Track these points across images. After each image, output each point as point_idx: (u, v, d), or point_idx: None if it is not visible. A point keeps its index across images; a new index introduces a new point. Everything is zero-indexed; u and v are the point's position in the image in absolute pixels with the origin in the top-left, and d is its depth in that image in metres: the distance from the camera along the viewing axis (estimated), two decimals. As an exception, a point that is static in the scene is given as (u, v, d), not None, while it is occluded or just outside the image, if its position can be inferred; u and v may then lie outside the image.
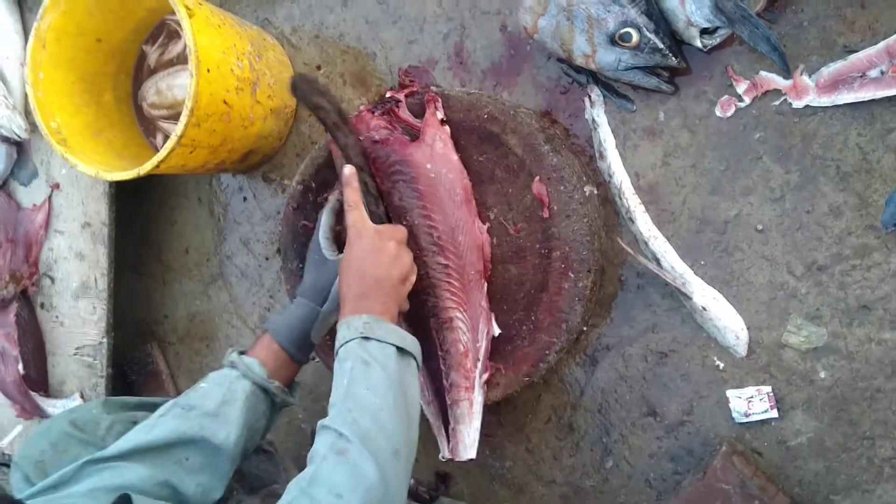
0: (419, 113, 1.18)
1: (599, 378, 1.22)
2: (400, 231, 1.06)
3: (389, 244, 1.01)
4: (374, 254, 1.00)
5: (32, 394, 1.38)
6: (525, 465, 1.29)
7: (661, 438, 1.18)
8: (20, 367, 1.36)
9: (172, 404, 0.96)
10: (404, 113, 1.18)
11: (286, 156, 1.45)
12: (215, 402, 0.95)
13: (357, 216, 1.03)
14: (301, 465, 1.37)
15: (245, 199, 1.49)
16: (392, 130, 1.17)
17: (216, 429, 0.93)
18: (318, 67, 1.41)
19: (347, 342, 0.93)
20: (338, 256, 1.07)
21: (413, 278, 1.05)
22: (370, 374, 0.90)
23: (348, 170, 1.07)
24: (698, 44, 1.07)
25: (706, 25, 1.06)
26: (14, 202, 1.44)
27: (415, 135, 1.16)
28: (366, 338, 0.93)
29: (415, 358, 0.98)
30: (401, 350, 0.95)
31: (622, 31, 1.06)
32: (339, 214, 1.14)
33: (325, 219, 1.13)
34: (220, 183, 1.51)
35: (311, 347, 1.07)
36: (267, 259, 1.48)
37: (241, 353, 1.03)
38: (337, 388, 0.91)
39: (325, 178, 1.26)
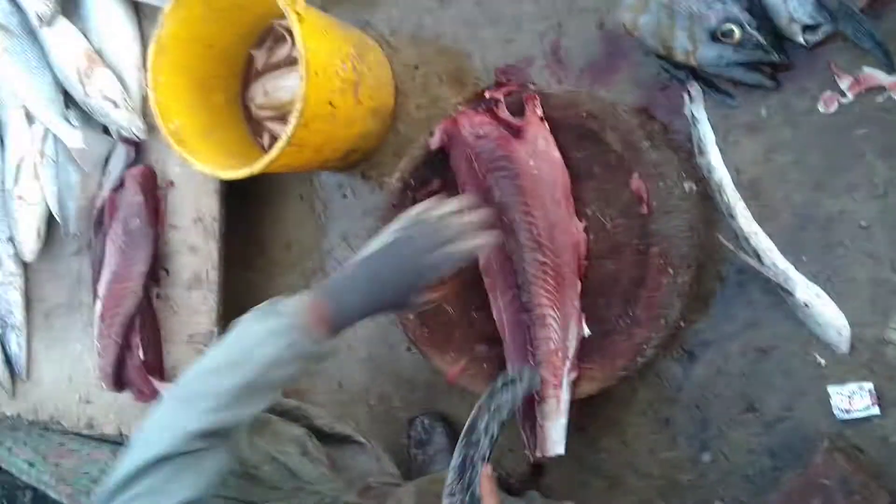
0: (516, 112, 1.21)
1: (697, 373, 1.22)
2: None
3: None
4: None
5: (150, 378, 1.46)
6: (620, 458, 1.30)
7: (760, 434, 1.18)
8: (140, 352, 1.45)
9: (244, 380, 0.86)
10: (503, 112, 1.21)
11: (384, 154, 1.50)
12: (285, 377, 0.90)
13: None
14: (395, 454, 1.43)
15: (344, 196, 1.55)
16: (496, 126, 1.20)
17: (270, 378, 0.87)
18: (416, 67, 1.45)
19: None
20: None
21: None
22: None
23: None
24: (800, 40, 1.07)
25: (809, 22, 1.05)
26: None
27: (515, 133, 1.19)
28: None
29: None
30: None
31: (724, 27, 1.07)
32: None
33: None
34: (321, 181, 1.57)
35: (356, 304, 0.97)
36: (365, 253, 1.53)
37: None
38: None
39: (424, 175, 1.30)
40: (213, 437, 0.83)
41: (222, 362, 0.87)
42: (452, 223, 0.98)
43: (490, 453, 1.00)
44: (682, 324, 1.20)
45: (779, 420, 1.16)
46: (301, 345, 0.89)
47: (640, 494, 1.28)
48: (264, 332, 0.88)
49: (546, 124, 1.17)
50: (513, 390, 1.05)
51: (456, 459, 1.03)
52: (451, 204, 1.00)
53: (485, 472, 0.99)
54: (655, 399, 1.26)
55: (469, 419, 1.04)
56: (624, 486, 1.30)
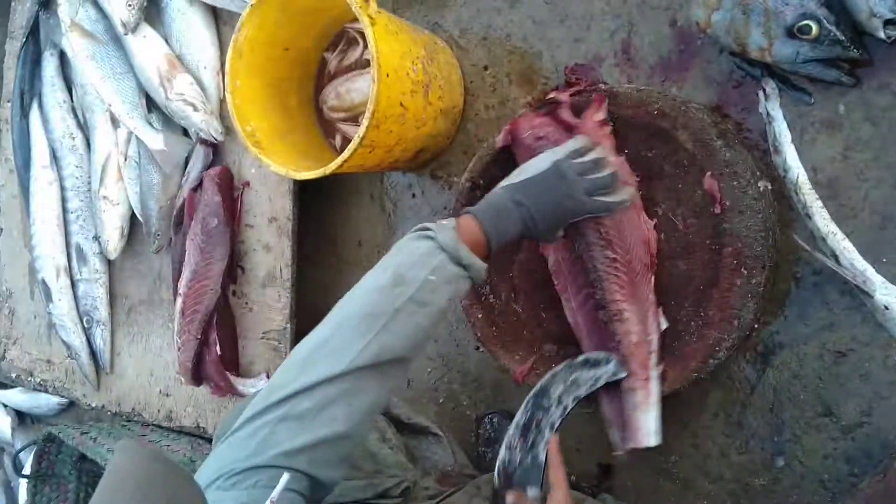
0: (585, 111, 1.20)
1: (771, 376, 1.20)
2: None
3: None
4: None
5: (226, 373, 1.51)
6: (691, 461, 1.29)
7: (836, 439, 1.15)
8: (217, 348, 1.50)
9: (408, 300, 0.89)
10: (565, 114, 1.20)
11: (453, 154, 1.51)
12: (444, 302, 0.92)
13: None
14: (466, 449, 1.44)
15: (414, 195, 1.57)
16: (556, 128, 1.20)
17: (440, 325, 0.93)
18: (485, 68, 1.46)
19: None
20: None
21: None
22: None
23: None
24: (881, 35, 1.03)
25: (890, 16, 1.02)
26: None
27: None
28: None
29: None
30: None
31: (801, 23, 1.04)
32: None
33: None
34: (391, 180, 1.59)
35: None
36: (434, 252, 1.54)
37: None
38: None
39: (493, 175, 1.31)
40: (374, 367, 0.85)
41: (383, 283, 0.90)
42: (605, 172, 1.08)
43: (559, 424, 1.02)
44: (755, 325, 1.17)
45: (857, 425, 1.13)
46: (451, 268, 0.93)
47: (712, 498, 1.27)
48: (417, 254, 0.93)
49: (607, 126, 1.16)
50: (595, 371, 1.06)
51: (521, 416, 1.04)
52: (602, 150, 1.09)
53: (554, 443, 1.01)
54: (728, 402, 1.24)
55: (540, 383, 1.07)
56: (695, 490, 1.28)
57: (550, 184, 1.05)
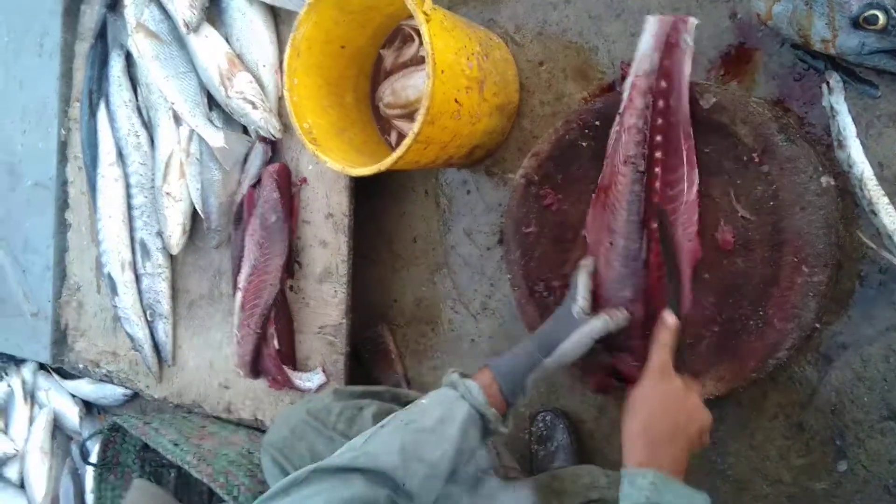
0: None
1: (833, 378, 1.17)
2: (700, 388, 1.02)
3: (693, 396, 0.97)
4: (678, 402, 0.95)
5: (283, 367, 1.54)
6: (748, 463, 1.26)
7: (903, 444, 1.11)
8: (275, 342, 1.53)
9: (394, 417, 1.00)
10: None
11: (508, 150, 1.51)
12: (433, 420, 0.98)
13: (665, 357, 1.00)
14: (516, 450, 1.43)
15: (468, 191, 1.57)
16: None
17: (433, 446, 0.95)
18: (541, 63, 1.45)
19: None
20: (584, 317, 1.09)
21: (707, 438, 0.99)
22: None
23: (672, 318, 1.03)
24: (955, 23, 1.00)
25: (965, 3, 0.98)
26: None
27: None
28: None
29: None
30: None
31: (867, 13, 1.01)
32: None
33: (582, 280, 1.14)
34: (446, 177, 1.60)
35: (522, 394, 1.06)
36: (489, 249, 1.54)
37: (463, 375, 1.04)
38: None
39: (548, 171, 1.31)
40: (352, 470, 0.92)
41: (431, 444, 0.96)
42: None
43: None
44: (817, 325, 1.14)
45: (925, 430, 1.09)
46: (444, 392, 1.03)
47: (769, 501, 1.24)
48: (457, 425, 0.98)
49: None
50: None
51: None
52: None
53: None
54: (787, 403, 1.21)
55: None
56: (752, 492, 1.26)
57: (557, 315, 1.13)
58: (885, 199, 1.09)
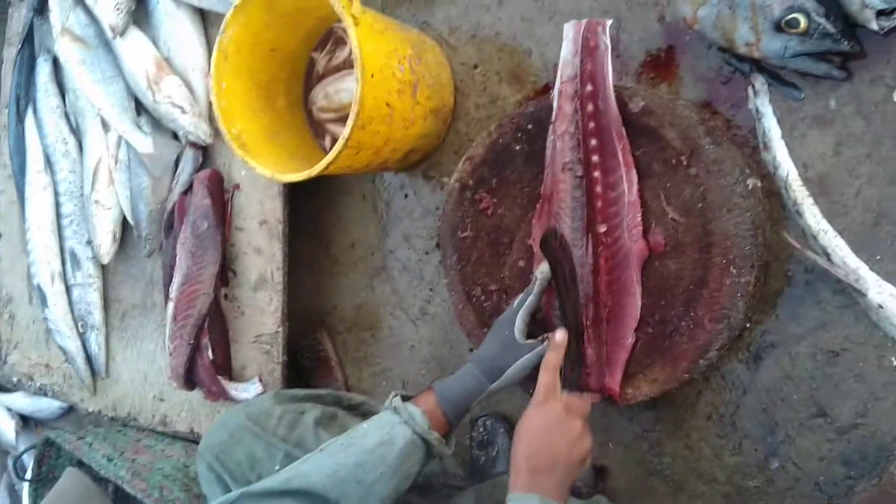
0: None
1: (764, 376, 1.18)
2: (586, 407, 1.04)
3: (576, 422, 0.99)
4: (559, 427, 0.98)
5: (219, 377, 1.50)
6: (684, 462, 1.27)
7: (831, 441, 1.13)
8: (209, 352, 1.49)
9: (334, 440, 1.00)
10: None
11: (444, 153, 1.50)
12: (373, 443, 0.98)
13: (550, 380, 1.02)
14: (457, 456, 1.43)
15: (406, 195, 1.55)
16: None
17: (370, 468, 0.95)
18: (475, 66, 1.44)
19: None
20: (528, 343, 1.08)
21: (588, 463, 1.02)
22: None
23: (560, 335, 1.06)
24: (874, 26, 1.01)
25: (883, 6, 0.99)
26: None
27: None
28: None
29: None
30: None
31: (789, 16, 1.02)
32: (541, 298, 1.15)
33: (530, 300, 1.12)
34: (383, 181, 1.58)
35: (466, 414, 1.07)
36: (427, 253, 1.53)
37: (405, 397, 1.04)
38: None
39: (482, 175, 1.30)
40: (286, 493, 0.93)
41: (368, 466, 0.96)
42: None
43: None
44: (747, 325, 1.16)
45: (852, 426, 1.11)
46: (386, 416, 1.02)
47: (705, 500, 1.25)
48: (397, 449, 0.98)
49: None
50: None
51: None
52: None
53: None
54: (720, 402, 1.22)
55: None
56: (689, 492, 1.26)
57: (498, 339, 1.11)
58: (810, 200, 1.10)
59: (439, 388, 1.06)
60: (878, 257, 1.07)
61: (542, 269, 1.15)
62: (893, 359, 1.07)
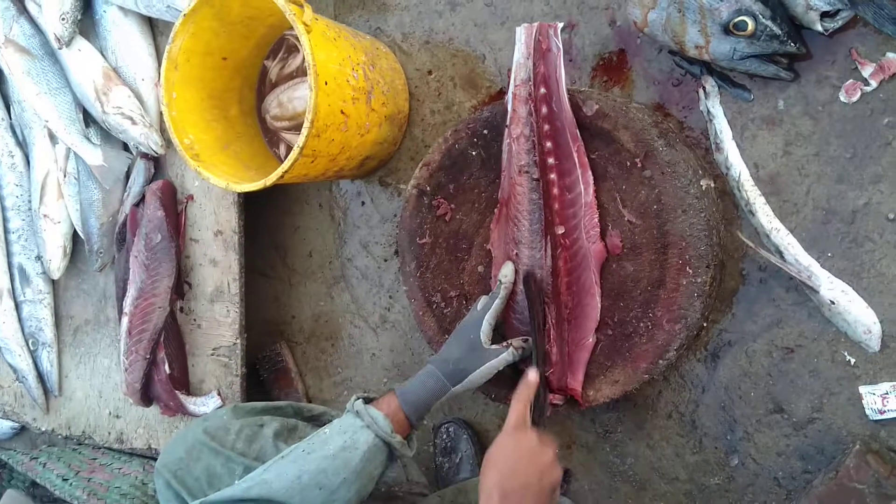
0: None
1: (722, 374, 1.19)
2: (554, 445, 1.04)
3: (547, 452, 0.99)
4: (530, 455, 0.97)
5: (176, 392, 1.48)
6: (647, 462, 1.28)
7: (789, 436, 1.15)
8: (166, 367, 1.46)
9: (295, 447, 0.99)
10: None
11: (401, 160, 1.49)
12: (335, 447, 0.97)
13: (522, 412, 1.03)
14: (421, 463, 1.42)
15: (363, 203, 1.54)
16: None
17: (332, 473, 0.95)
18: (430, 72, 1.44)
19: None
20: (492, 348, 1.09)
21: (558, 495, 1.02)
22: None
23: (533, 375, 1.06)
24: (819, 28, 1.03)
25: (827, 8, 1.02)
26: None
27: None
28: None
29: None
30: None
31: (737, 19, 1.04)
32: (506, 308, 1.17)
33: (496, 304, 1.13)
34: (340, 189, 1.57)
35: (427, 415, 1.08)
36: (386, 261, 1.52)
37: (366, 400, 1.04)
38: None
39: (439, 181, 1.29)
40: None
41: (331, 471, 0.96)
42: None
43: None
44: (704, 324, 1.17)
45: (808, 422, 1.13)
46: (348, 420, 1.02)
47: (668, 499, 1.26)
48: (360, 453, 0.98)
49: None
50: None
51: None
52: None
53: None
54: (680, 402, 1.23)
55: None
56: (651, 491, 1.27)
57: (462, 342, 1.11)
58: (762, 199, 1.12)
59: (401, 392, 1.05)
60: (829, 254, 1.09)
61: (505, 273, 1.16)
62: (846, 354, 1.09)
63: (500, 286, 1.15)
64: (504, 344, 1.10)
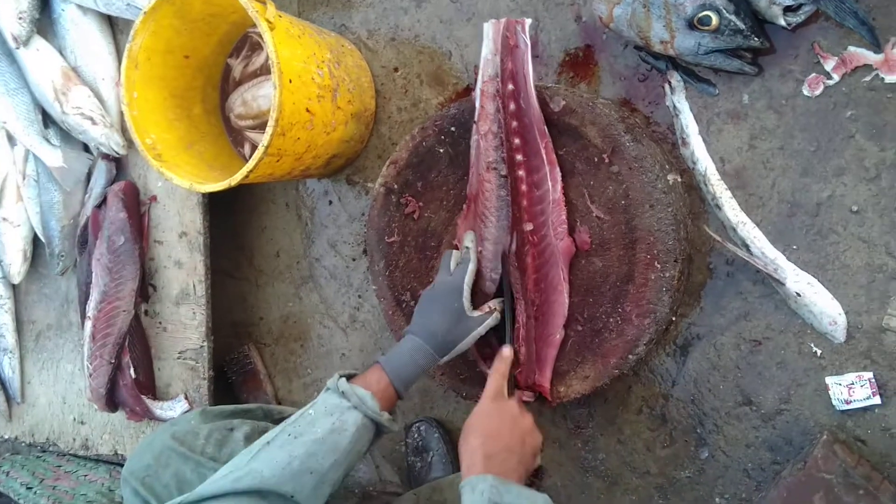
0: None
1: (691, 368, 1.20)
2: (531, 415, 1.07)
3: (527, 418, 1.02)
4: (512, 419, 1.01)
5: (142, 397, 1.45)
6: (618, 457, 1.28)
7: (757, 428, 1.15)
8: (131, 371, 1.44)
9: (281, 430, 0.97)
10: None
11: (368, 158, 1.48)
12: (324, 430, 0.96)
13: (500, 383, 1.06)
14: (393, 462, 1.41)
15: (330, 202, 1.53)
16: None
17: (322, 456, 0.94)
18: (396, 69, 1.43)
19: None
20: (476, 315, 1.10)
21: (539, 459, 1.05)
22: None
23: (508, 350, 1.11)
24: (782, 22, 1.04)
25: (790, 3, 1.02)
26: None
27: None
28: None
29: None
30: None
31: (701, 14, 1.04)
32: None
33: (471, 269, 1.13)
34: (306, 188, 1.55)
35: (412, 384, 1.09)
36: (354, 260, 1.51)
37: (348, 376, 1.03)
38: None
39: (407, 179, 1.28)
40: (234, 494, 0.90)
41: (321, 455, 0.95)
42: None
43: None
44: (673, 318, 1.17)
45: (776, 413, 1.14)
46: (332, 399, 1.00)
47: (640, 493, 1.26)
48: (349, 435, 0.97)
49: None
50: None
51: None
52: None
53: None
54: (650, 396, 1.24)
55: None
56: (623, 486, 1.28)
57: (446, 311, 1.11)
58: (728, 194, 1.13)
59: (391, 368, 1.05)
60: (794, 247, 1.10)
61: (471, 239, 1.17)
62: (813, 345, 1.10)
63: (469, 251, 1.16)
64: (486, 310, 1.12)
